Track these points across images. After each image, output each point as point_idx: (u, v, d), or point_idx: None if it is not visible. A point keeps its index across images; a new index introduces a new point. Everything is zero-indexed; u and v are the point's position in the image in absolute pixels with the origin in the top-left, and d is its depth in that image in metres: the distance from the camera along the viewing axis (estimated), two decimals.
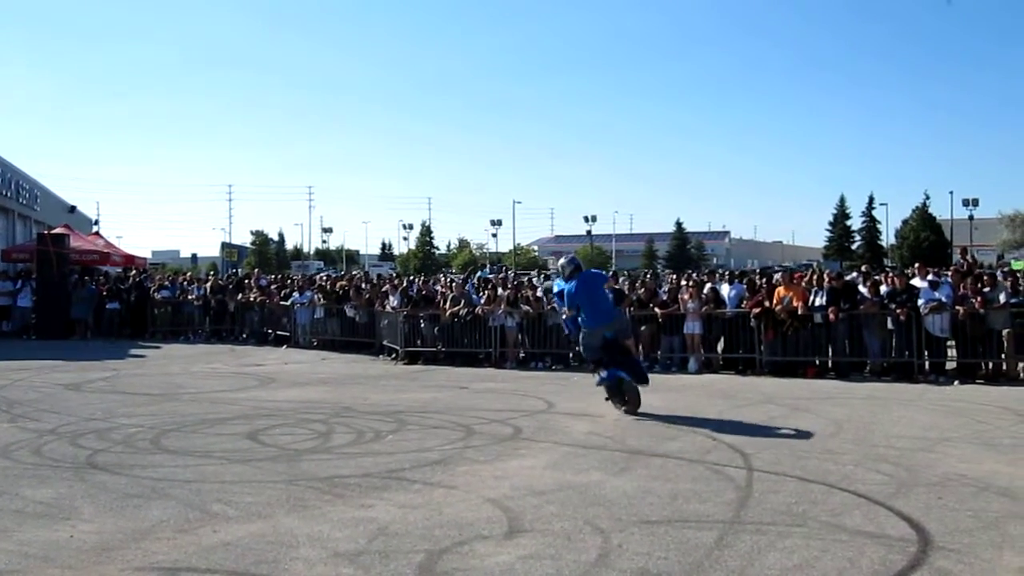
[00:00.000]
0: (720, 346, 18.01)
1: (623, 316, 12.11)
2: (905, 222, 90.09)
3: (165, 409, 12.66)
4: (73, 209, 47.39)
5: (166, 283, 30.38)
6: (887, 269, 27.43)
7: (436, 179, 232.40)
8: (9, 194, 36.87)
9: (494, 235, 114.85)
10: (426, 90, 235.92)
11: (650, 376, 12.39)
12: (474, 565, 5.72)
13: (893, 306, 16.15)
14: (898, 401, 13.20)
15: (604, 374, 11.96)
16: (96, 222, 62.17)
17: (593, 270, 12.74)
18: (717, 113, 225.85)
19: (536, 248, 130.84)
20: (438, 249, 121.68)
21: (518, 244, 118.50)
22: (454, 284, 22.12)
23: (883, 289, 17.10)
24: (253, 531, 6.50)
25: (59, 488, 7.90)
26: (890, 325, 16.35)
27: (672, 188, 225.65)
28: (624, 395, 11.91)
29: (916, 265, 20.15)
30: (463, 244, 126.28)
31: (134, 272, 34.19)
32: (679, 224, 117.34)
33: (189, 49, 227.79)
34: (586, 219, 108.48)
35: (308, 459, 9.18)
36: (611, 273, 26.55)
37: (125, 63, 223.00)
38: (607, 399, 12.03)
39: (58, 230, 31.68)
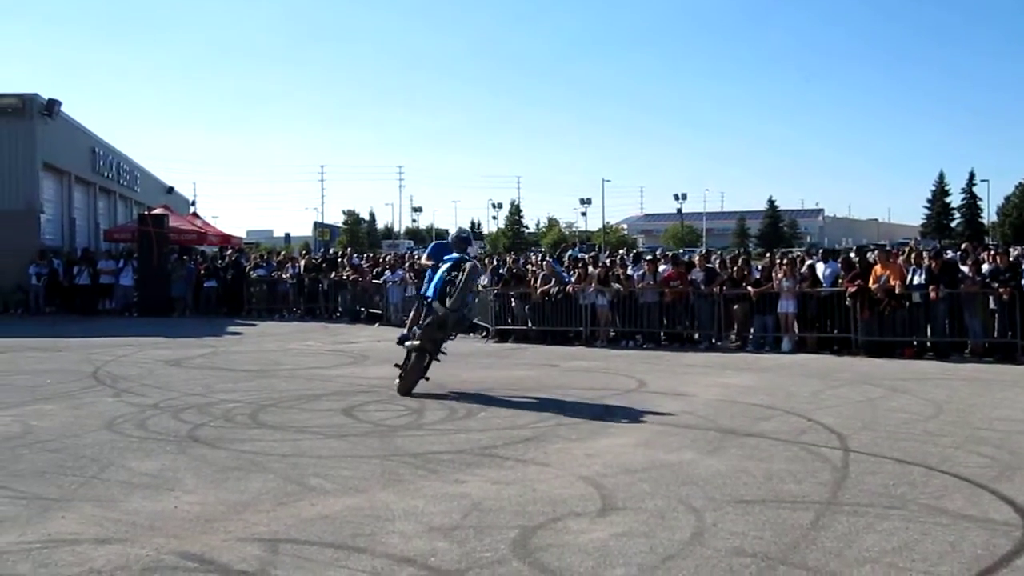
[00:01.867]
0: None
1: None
2: (1007, 199, 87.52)
3: (262, 385, 12.93)
4: (171, 190, 48.70)
5: (261, 262, 30.95)
6: (989, 247, 26.64)
7: (525, 158, 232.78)
8: (111, 176, 38.02)
9: (583, 214, 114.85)
10: (514, 68, 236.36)
11: (742, 356, 12.22)
12: (568, 541, 5.73)
13: (996, 285, 15.70)
14: (1000, 383, 12.85)
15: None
16: (193, 202, 63.88)
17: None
18: (808, 88, 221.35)
19: (626, 227, 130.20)
20: (527, 228, 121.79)
21: (607, 223, 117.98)
22: (545, 263, 22.06)
23: (985, 268, 16.64)
24: (350, 505, 6.61)
25: (163, 460, 8.13)
26: (992, 305, 15.91)
27: (764, 165, 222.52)
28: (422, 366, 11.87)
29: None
30: (552, 223, 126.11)
31: (230, 251, 34.88)
32: (771, 202, 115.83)
33: (277, 28, 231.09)
34: (676, 197, 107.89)
35: (402, 435, 9.29)
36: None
37: (219, 44, 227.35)
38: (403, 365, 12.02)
39: (157, 211, 32.59)
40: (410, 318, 12.42)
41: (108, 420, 10.04)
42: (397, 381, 11.94)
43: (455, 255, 11.99)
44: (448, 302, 11.51)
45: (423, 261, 12.03)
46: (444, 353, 12.08)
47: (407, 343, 12.02)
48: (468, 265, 11.73)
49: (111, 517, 6.31)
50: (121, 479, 7.47)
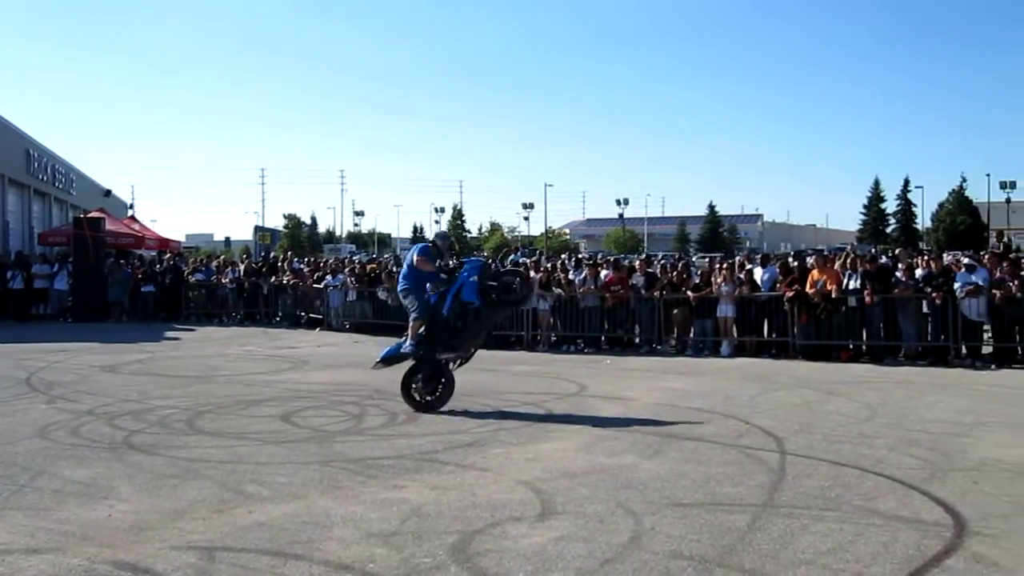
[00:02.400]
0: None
1: (407, 293, 11.17)
2: (941, 205, 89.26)
3: (200, 391, 12.77)
4: (108, 193, 47.94)
5: (200, 266, 30.58)
6: (923, 252, 27.19)
7: (468, 162, 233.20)
8: (46, 178, 37.37)
9: (526, 218, 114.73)
10: (457, 73, 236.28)
11: (682, 360, 12.31)
12: (507, 547, 5.73)
13: (929, 290, 16.01)
14: (933, 385, 13.10)
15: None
16: (131, 206, 62.88)
17: (423, 244, 11.96)
18: (750, 96, 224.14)
19: (568, 231, 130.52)
20: (470, 232, 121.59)
21: (550, 227, 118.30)
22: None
23: (919, 272, 16.95)
24: (288, 511, 6.55)
25: (96, 468, 7.99)
26: (925, 309, 16.21)
27: (705, 171, 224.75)
28: (410, 390, 11.22)
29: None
30: (495, 227, 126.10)
31: (169, 255, 34.44)
32: (712, 207, 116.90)
33: (222, 33, 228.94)
34: (618, 202, 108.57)
35: (341, 441, 9.23)
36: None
37: (158, 47, 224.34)
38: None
39: (94, 214, 32.04)
40: (414, 329, 11.14)
41: (41, 427, 9.86)
42: (429, 398, 11.13)
43: (477, 259, 11.87)
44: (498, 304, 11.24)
45: (424, 264, 11.43)
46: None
47: (444, 355, 11.18)
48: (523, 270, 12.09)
49: (42, 526, 6.20)
50: (53, 487, 7.33)
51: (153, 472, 7.81)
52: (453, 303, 11.00)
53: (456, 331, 11.04)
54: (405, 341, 11.24)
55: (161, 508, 6.65)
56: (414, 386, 11.19)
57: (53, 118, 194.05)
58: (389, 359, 11.41)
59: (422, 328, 11.10)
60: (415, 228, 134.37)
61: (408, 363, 11.30)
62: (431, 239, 12.12)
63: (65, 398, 12.03)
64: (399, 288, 11.64)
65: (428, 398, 11.13)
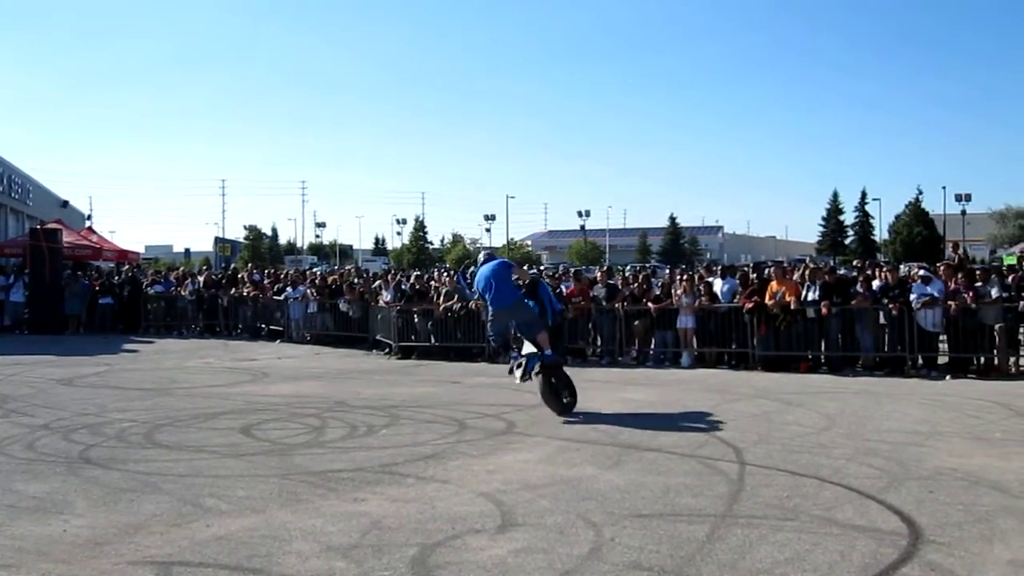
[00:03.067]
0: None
1: (525, 307, 11.82)
2: (898, 217, 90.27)
3: (158, 404, 12.65)
4: (66, 204, 47.39)
5: (159, 278, 30.33)
6: (880, 264, 27.48)
7: (429, 174, 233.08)
8: (1, 189, 36.83)
9: (488, 230, 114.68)
10: (418, 85, 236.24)
11: (643, 371, 12.39)
12: (467, 559, 5.73)
13: (886, 301, 16.19)
14: (890, 396, 13.23)
15: (515, 355, 11.86)
16: (89, 217, 62.33)
17: (501, 259, 12.50)
18: (710, 108, 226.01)
19: (530, 243, 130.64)
20: (432, 244, 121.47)
21: (512, 239, 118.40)
22: (446, 278, 22.01)
23: (876, 284, 17.14)
24: (246, 525, 6.50)
25: (52, 483, 7.90)
26: (883, 320, 16.40)
27: (665, 183, 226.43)
28: (559, 394, 11.66)
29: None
30: (457, 239, 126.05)
31: (127, 267, 34.12)
32: (672, 219, 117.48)
33: (181, 44, 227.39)
34: (580, 214, 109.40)
35: (301, 453, 9.18)
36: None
37: (116, 59, 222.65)
38: (543, 400, 11.70)
39: (51, 225, 31.60)
40: (545, 339, 11.58)
41: None
42: (571, 398, 11.67)
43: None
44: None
45: (521, 273, 12.42)
46: None
47: (520, 367, 11.64)
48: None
49: None
50: (7, 503, 7.24)
51: (110, 486, 7.73)
52: (552, 312, 11.96)
53: (561, 336, 12.02)
54: (538, 352, 11.52)
55: (118, 523, 6.58)
56: (557, 389, 11.62)
57: (9, 129, 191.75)
58: (541, 368, 11.58)
59: (550, 335, 11.78)
60: (377, 239, 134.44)
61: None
62: (487, 255, 12.48)
63: (20, 412, 11.88)
64: (505, 305, 11.75)
65: (568, 398, 11.66)
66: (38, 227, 30.19)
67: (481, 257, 12.45)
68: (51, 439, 9.96)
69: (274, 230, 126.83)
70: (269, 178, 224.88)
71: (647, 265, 42.69)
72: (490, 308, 11.95)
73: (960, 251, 23.13)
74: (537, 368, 11.51)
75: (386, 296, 21.71)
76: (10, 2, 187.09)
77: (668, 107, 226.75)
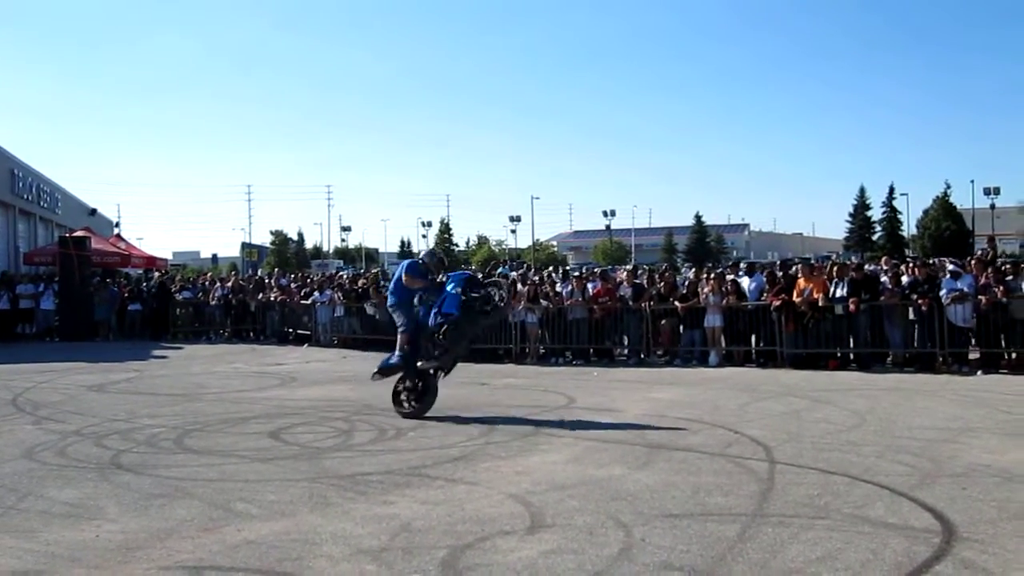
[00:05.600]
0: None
1: (394, 309, 11.88)
2: (926, 212, 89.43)
3: (187, 409, 12.72)
4: (94, 212, 47.79)
5: (187, 284, 30.54)
6: (908, 259, 27.27)
7: (454, 176, 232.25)
8: (31, 198, 37.23)
9: (513, 231, 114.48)
10: (443, 88, 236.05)
11: (671, 370, 12.34)
12: (496, 560, 5.72)
13: (915, 296, 16.06)
14: (920, 392, 13.13)
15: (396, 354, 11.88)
16: (117, 224, 62.69)
17: (410, 261, 12.37)
18: (734, 107, 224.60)
19: (555, 244, 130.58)
20: (457, 246, 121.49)
21: (537, 240, 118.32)
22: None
23: (905, 279, 17.01)
24: (277, 529, 6.53)
25: (84, 489, 7.95)
26: (912, 316, 16.27)
27: (691, 182, 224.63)
28: (400, 398, 11.77)
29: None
30: (482, 241, 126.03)
31: (155, 273, 34.38)
32: (698, 217, 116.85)
33: (208, 51, 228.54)
34: (605, 214, 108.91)
35: (330, 457, 9.21)
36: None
37: (142, 67, 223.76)
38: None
39: (79, 233, 31.90)
40: (401, 341, 11.72)
41: (27, 448, 9.81)
42: (415, 405, 11.58)
43: (462, 273, 12.35)
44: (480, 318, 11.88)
45: (412, 281, 11.73)
46: None
47: (425, 364, 11.58)
48: (504, 281, 12.55)
49: (29, 548, 6.16)
50: (40, 508, 7.29)
51: (141, 492, 7.77)
52: (435, 316, 11.56)
53: (437, 342, 11.57)
54: (395, 353, 11.80)
55: (149, 528, 6.62)
56: (402, 395, 11.73)
57: (38, 138, 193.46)
58: (384, 370, 11.96)
59: (408, 340, 11.70)
60: (402, 243, 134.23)
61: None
62: (420, 256, 12.49)
63: (52, 418, 11.96)
64: (388, 303, 12.22)
65: (414, 404, 11.60)
66: (67, 235, 30.51)
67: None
68: (82, 445, 10.03)
69: (300, 235, 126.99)
70: (295, 183, 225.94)
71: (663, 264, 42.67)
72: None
73: (992, 245, 22.90)
74: (377, 369, 12.01)
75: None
76: (36, 11, 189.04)
77: (693, 108, 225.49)
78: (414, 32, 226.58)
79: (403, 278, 11.81)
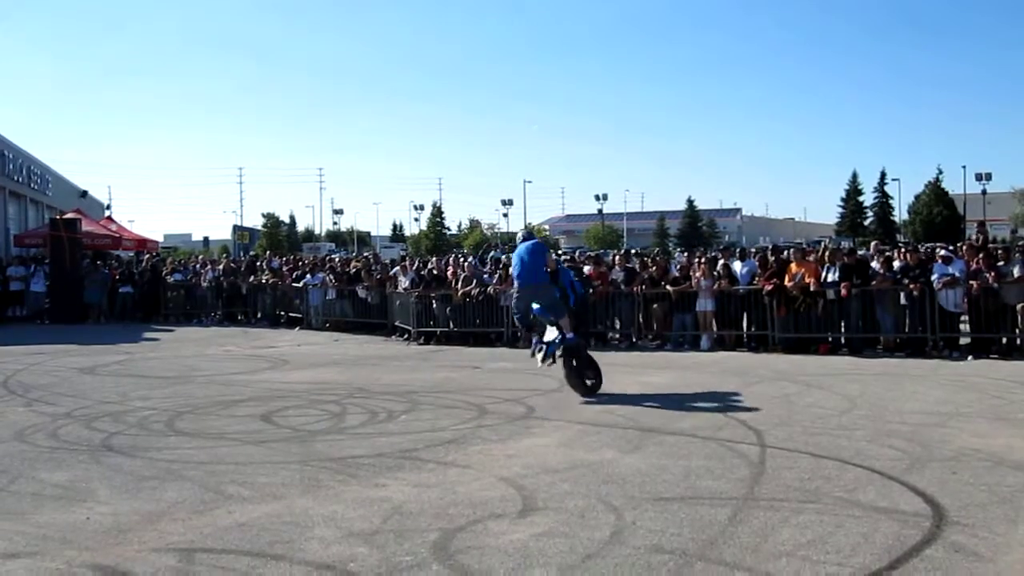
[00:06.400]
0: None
1: (548, 289, 11.77)
2: (918, 197, 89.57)
3: (179, 392, 12.71)
4: (85, 194, 47.58)
5: (178, 266, 30.45)
6: (900, 244, 27.31)
7: (446, 160, 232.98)
8: (21, 180, 37.06)
9: (505, 215, 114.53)
10: (435, 72, 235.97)
11: (662, 354, 12.36)
12: (488, 543, 5.73)
13: (906, 281, 16.09)
14: (911, 377, 13.16)
15: (537, 340, 11.91)
16: (108, 206, 62.35)
17: (537, 240, 12.55)
18: (727, 92, 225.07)
19: (548, 227, 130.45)
20: (449, 230, 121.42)
21: (529, 223, 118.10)
22: (466, 264, 21.93)
23: (896, 264, 17.03)
24: (268, 512, 6.52)
25: (75, 471, 7.95)
26: (903, 301, 16.29)
27: (683, 166, 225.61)
28: (583, 376, 11.72)
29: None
30: (474, 224, 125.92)
31: (147, 256, 34.28)
32: (690, 202, 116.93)
33: (198, 33, 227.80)
34: (597, 197, 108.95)
35: (322, 440, 9.21)
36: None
37: (134, 48, 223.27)
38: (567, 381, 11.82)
39: (70, 215, 31.76)
40: (569, 322, 11.64)
41: (18, 430, 9.79)
42: (595, 380, 11.75)
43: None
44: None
45: (550, 259, 12.31)
46: None
47: (571, 342, 11.60)
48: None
49: (20, 530, 6.15)
50: (31, 491, 7.29)
51: (132, 474, 7.77)
52: (574, 296, 11.96)
53: (583, 319, 11.99)
54: (559, 335, 11.57)
55: (140, 510, 6.61)
56: (585, 373, 11.70)
57: (28, 119, 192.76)
58: (554, 354, 11.65)
59: (575, 316, 11.87)
60: (395, 226, 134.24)
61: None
62: (530, 237, 12.52)
63: (43, 401, 11.95)
64: (534, 282, 11.86)
65: (593, 380, 11.72)
66: (58, 217, 30.37)
67: (520, 235, 12.59)
68: (74, 427, 10.02)
69: (292, 218, 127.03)
70: (287, 166, 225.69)
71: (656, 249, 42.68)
72: (515, 284, 12.07)
73: (984, 230, 22.92)
74: (559, 351, 11.53)
75: (404, 282, 21.72)
76: None
77: (685, 93, 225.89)
78: (406, 16, 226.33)
79: (543, 253, 11.99)
